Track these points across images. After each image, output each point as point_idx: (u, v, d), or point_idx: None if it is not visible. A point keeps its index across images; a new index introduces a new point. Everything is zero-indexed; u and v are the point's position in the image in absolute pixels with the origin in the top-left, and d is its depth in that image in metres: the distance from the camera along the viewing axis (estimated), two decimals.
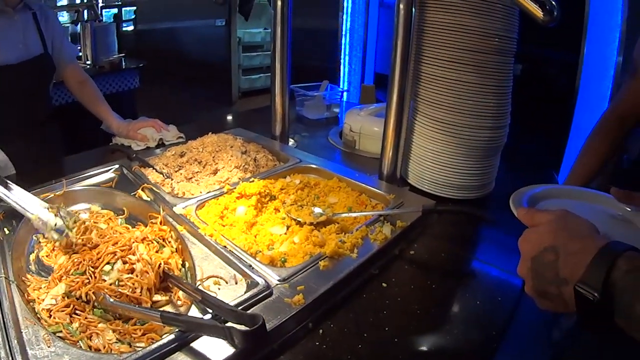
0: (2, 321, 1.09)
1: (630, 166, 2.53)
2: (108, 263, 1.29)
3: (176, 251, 1.46)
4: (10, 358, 0.99)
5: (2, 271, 1.27)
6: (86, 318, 1.16)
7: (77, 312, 1.18)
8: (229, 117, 3.40)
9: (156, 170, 1.98)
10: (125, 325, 1.16)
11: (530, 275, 0.99)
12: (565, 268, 0.92)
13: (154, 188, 1.80)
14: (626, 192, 1.39)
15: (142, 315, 1.15)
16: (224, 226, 1.60)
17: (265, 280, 1.26)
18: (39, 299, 1.22)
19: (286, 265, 1.40)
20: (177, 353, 1.04)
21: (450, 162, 1.86)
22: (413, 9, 1.75)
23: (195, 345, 1.06)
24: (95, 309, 1.19)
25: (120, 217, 1.69)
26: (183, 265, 1.42)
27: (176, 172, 1.98)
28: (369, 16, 5.94)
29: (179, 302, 1.28)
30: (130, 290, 1.23)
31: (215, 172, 1.96)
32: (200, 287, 1.25)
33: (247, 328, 0.97)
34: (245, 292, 1.23)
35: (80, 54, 5.08)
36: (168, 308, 1.26)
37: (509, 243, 1.52)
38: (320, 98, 3.14)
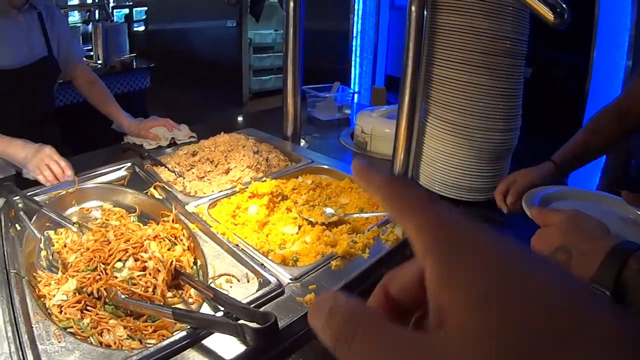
0: (13, 316, 1.10)
1: (639, 171, 2.52)
2: (120, 260, 1.29)
3: (188, 249, 1.46)
4: (21, 352, 0.99)
5: (14, 266, 1.28)
6: (97, 314, 1.16)
7: (88, 308, 1.18)
8: (240, 118, 3.40)
9: (168, 169, 1.98)
10: (137, 322, 1.16)
11: None
12: (578, 268, 0.92)
13: (166, 186, 1.80)
14: (637, 196, 1.39)
15: (154, 312, 1.15)
16: (236, 225, 1.60)
17: (277, 279, 1.26)
18: (49, 294, 1.22)
19: (298, 264, 1.39)
20: (188, 350, 1.04)
21: (461, 164, 1.85)
22: (425, 11, 1.75)
23: (206, 342, 1.06)
24: (106, 306, 1.19)
25: (132, 214, 1.70)
26: (195, 263, 1.42)
27: (188, 171, 1.98)
28: (380, 18, 5.93)
29: (191, 300, 1.28)
30: (143, 289, 1.23)
31: (227, 172, 1.96)
32: (212, 285, 1.25)
33: (259, 325, 0.97)
34: (257, 291, 1.23)
35: (92, 53, 5.11)
36: (179, 306, 1.25)
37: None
38: (332, 99, 3.13)
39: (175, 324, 1.15)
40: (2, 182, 1.73)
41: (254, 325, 0.98)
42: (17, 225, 1.53)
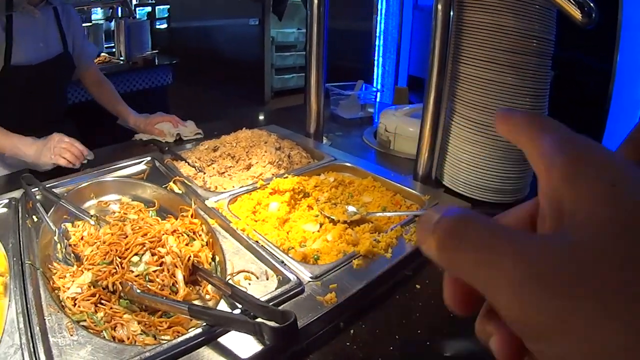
0: (25, 307, 1.08)
1: None
2: (136, 254, 1.27)
3: (207, 245, 1.44)
4: (32, 345, 0.98)
5: (29, 258, 1.27)
6: (111, 308, 1.14)
7: (102, 302, 1.17)
8: (262, 116, 3.39)
9: (188, 164, 1.97)
10: (151, 317, 1.14)
11: None
12: None
13: (186, 181, 1.79)
14: None
15: (169, 308, 1.12)
16: (256, 221, 1.58)
17: (297, 277, 1.23)
18: (64, 287, 1.20)
19: (319, 262, 1.36)
20: (203, 348, 1.01)
21: (486, 164, 1.81)
22: (451, 10, 1.73)
23: (222, 340, 1.04)
24: (121, 300, 1.18)
25: (151, 209, 1.68)
26: (213, 259, 1.40)
27: (209, 166, 1.97)
28: (403, 18, 5.91)
29: (208, 297, 1.26)
30: (160, 287, 1.20)
31: (248, 167, 1.94)
32: (230, 282, 1.22)
33: (278, 324, 0.94)
34: (276, 289, 1.20)
35: (114, 50, 5.18)
36: (196, 302, 1.23)
37: None
38: (355, 97, 3.11)
39: (191, 320, 1.13)
40: (20, 175, 1.72)
41: (272, 324, 0.94)
42: (34, 217, 1.52)
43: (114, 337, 1.07)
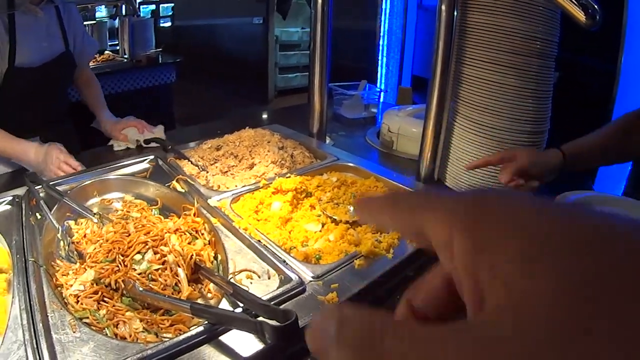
0: (29, 304, 1.09)
1: None
2: (139, 252, 1.28)
3: (209, 243, 1.44)
4: (34, 341, 0.98)
5: (32, 255, 1.27)
6: (114, 306, 1.15)
7: (105, 299, 1.17)
8: (265, 115, 3.39)
9: (191, 163, 1.97)
10: (154, 315, 1.14)
11: None
12: None
13: (189, 180, 1.79)
14: None
15: (172, 306, 1.13)
16: (258, 221, 1.58)
17: (299, 277, 1.23)
18: (66, 284, 1.21)
19: (320, 262, 1.37)
20: (204, 346, 1.02)
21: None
22: (455, 10, 1.74)
23: (223, 338, 1.04)
24: (123, 298, 1.18)
25: (154, 207, 1.69)
26: (215, 258, 1.40)
27: (212, 165, 1.97)
28: (407, 18, 5.91)
29: (209, 295, 1.26)
30: (162, 287, 1.21)
31: (251, 167, 1.94)
32: (232, 281, 1.22)
33: (280, 323, 0.95)
34: (277, 288, 1.20)
35: (118, 48, 5.18)
36: (198, 300, 1.23)
37: None
38: (359, 97, 3.11)
39: (193, 318, 1.13)
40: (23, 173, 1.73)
41: (274, 323, 0.95)
42: (37, 214, 1.52)
43: (116, 335, 1.07)
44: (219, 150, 2.09)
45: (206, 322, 1.04)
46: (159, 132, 2.46)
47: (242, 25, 9.40)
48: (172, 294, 1.20)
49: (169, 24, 10.50)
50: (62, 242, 1.40)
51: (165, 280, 1.22)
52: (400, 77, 6.02)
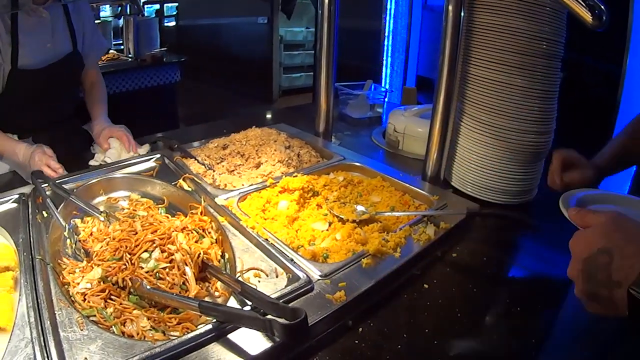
0: (36, 302, 1.10)
1: None
2: (146, 251, 1.28)
3: (216, 242, 1.45)
4: (42, 339, 0.99)
5: (39, 253, 1.28)
6: (121, 304, 1.16)
7: (112, 297, 1.18)
8: (269, 114, 3.40)
9: (198, 162, 1.98)
10: (161, 314, 1.15)
11: (581, 277, 0.99)
12: (619, 271, 0.92)
13: (196, 179, 1.80)
14: None
15: (179, 304, 1.13)
16: (265, 219, 1.59)
17: (307, 275, 1.24)
18: (73, 282, 1.22)
19: (328, 261, 1.37)
20: (212, 344, 1.03)
21: (495, 165, 1.83)
22: (461, 11, 1.74)
23: (231, 337, 1.05)
24: (130, 296, 1.19)
25: (160, 206, 1.69)
26: (222, 256, 1.41)
27: (218, 164, 1.98)
28: (412, 18, 5.92)
29: (217, 294, 1.27)
30: (169, 286, 1.21)
31: (257, 166, 1.95)
32: (240, 279, 1.23)
33: (289, 321, 0.95)
34: (285, 286, 1.21)
35: (122, 47, 5.19)
36: (206, 299, 1.23)
37: (552, 250, 1.50)
38: (364, 97, 3.12)
39: (200, 316, 1.14)
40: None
41: (283, 321, 0.95)
42: (44, 212, 1.53)
43: (123, 333, 1.08)
44: (226, 149, 2.10)
45: (214, 320, 1.04)
46: (142, 151, 2.25)
47: (247, 24, 9.44)
48: (180, 292, 1.20)
49: (173, 23, 10.54)
50: (68, 240, 1.40)
51: (173, 279, 1.22)
52: (405, 77, 6.03)
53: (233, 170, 1.93)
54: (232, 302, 1.18)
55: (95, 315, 1.11)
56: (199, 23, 10.41)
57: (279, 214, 1.62)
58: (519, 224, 1.73)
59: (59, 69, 2.42)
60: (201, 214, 1.57)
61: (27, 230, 1.40)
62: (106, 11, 6.53)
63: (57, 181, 1.68)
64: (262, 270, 1.29)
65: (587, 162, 1.71)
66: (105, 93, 2.70)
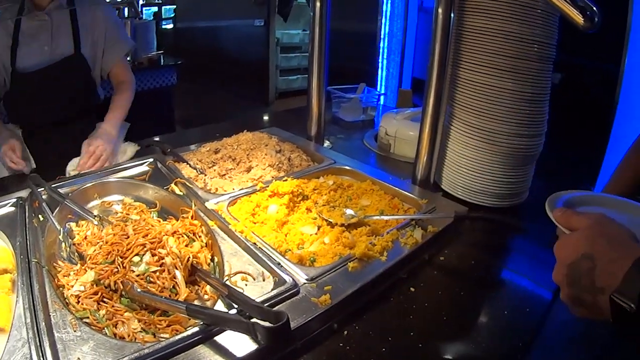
0: (32, 303, 1.13)
1: None
2: (137, 254, 1.31)
3: (206, 246, 1.48)
4: (37, 339, 1.02)
5: (35, 256, 1.31)
6: (113, 306, 1.19)
7: (104, 299, 1.21)
8: (265, 117, 3.42)
9: (190, 166, 2.00)
10: (151, 316, 1.18)
11: (566, 282, 0.99)
12: (602, 277, 0.91)
13: (187, 183, 1.82)
14: None
15: (168, 307, 1.16)
16: (255, 223, 1.62)
17: (293, 279, 1.27)
18: (68, 285, 1.25)
19: (315, 265, 1.40)
20: (200, 346, 1.06)
21: (485, 169, 1.85)
22: (452, 13, 1.75)
23: (218, 339, 1.08)
24: (122, 298, 1.22)
25: (153, 210, 1.72)
26: (212, 260, 1.44)
27: (210, 168, 2.01)
28: (408, 21, 5.93)
29: (206, 297, 1.30)
30: (159, 289, 1.24)
31: (248, 170, 1.98)
32: (227, 282, 1.26)
33: (271, 324, 0.98)
34: (272, 290, 1.24)
35: None
36: (195, 302, 1.26)
37: (541, 254, 1.52)
38: (357, 100, 3.14)
39: (189, 319, 1.16)
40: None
41: (266, 324, 0.99)
42: (40, 216, 1.56)
43: (115, 334, 1.11)
44: (217, 153, 2.13)
45: (201, 322, 1.08)
46: (125, 158, 2.28)
47: (244, 27, 9.44)
48: (170, 296, 1.24)
49: (170, 25, 10.54)
50: (63, 244, 1.44)
51: (163, 283, 1.25)
52: (401, 79, 6.04)
53: (224, 175, 1.96)
54: (220, 305, 1.21)
55: (88, 317, 1.15)
56: (197, 25, 10.42)
57: (268, 217, 1.65)
58: (508, 227, 1.76)
59: (55, 71, 2.50)
60: (192, 218, 1.59)
61: (24, 234, 1.43)
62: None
63: (52, 185, 1.71)
64: (249, 274, 1.33)
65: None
66: (125, 97, 2.72)
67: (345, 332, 1.19)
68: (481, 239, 1.72)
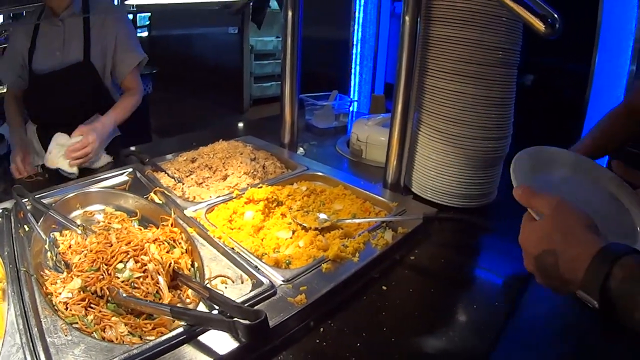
0: (23, 310, 1.17)
1: None
2: (121, 262, 1.36)
3: (186, 252, 1.53)
4: (31, 344, 1.07)
5: (23, 265, 1.35)
6: (100, 311, 1.24)
7: (91, 305, 1.26)
8: (240, 125, 3.45)
9: (168, 175, 2.05)
10: (137, 320, 1.23)
11: (538, 273, 1.06)
12: (566, 272, 0.97)
13: (166, 192, 1.87)
14: (627, 168, 1.44)
15: (153, 310, 1.22)
16: (232, 229, 1.67)
17: (270, 280, 1.33)
18: (55, 292, 1.29)
19: (290, 267, 1.47)
20: (184, 345, 1.11)
21: (453, 171, 1.92)
22: (418, 22, 1.81)
23: (201, 338, 1.13)
24: (108, 304, 1.27)
25: (133, 218, 1.77)
26: (192, 265, 1.49)
27: (187, 177, 2.05)
28: (380, 26, 5.96)
29: (188, 300, 1.35)
30: (144, 294, 1.30)
31: (225, 178, 2.03)
32: (208, 286, 1.32)
33: (251, 322, 1.04)
34: (250, 291, 1.30)
35: None
36: (177, 305, 1.31)
37: (508, 250, 1.58)
38: (329, 108, 3.20)
39: (173, 322, 1.22)
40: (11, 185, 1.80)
41: (245, 322, 1.05)
42: (25, 226, 1.61)
43: (103, 338, 1.16)
44: (194, 162, 2.18)
45: (185, 323, 1.14)
46: (100, 164, 2.29)
47: (218, 35, 9.42)
48: (154, 300, 1.29)
49: (145, 33, 10.46)
50: (49, 253, 1.48)
51: (147, 288, 1.31)
52: (374, 84, 6.06)
53: (201, 183, 2.01)
54: (202, 308, 1.26)
55: (77, 323, 1.19)
56: (171, 33, 10.37)
57: (245, 223, 1.71)
58: (475, 227, 1.82)
59: (65, 75, 2.63)
60: (172, 225, 1.64)
61: (11, 244, 1.47)
62: None
63: (36, 196, 1.75)
64: (228, 277, 1.39)
65: None
66: (130, 101, 2.82)
67: (322, 329, 1.25)
68: (450, 238, 1.79)
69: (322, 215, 1.74)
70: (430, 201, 2.00)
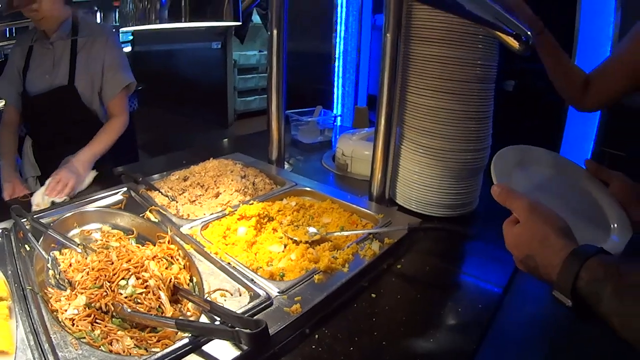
0: (32, 327, 1.22)
1: None
2: (123, 278, 1.41)
3: (184, 267, 1.58)
4: (44, 359, 1.12)
5: (28, 283, 1.40)
6: (106, 326, 1.28)
7: (97, 321, 1.30)
8: (227, 141, 3.49)
9: (162, 194, 2.09)
10: (142, 333, 1.28)
11: (526, 271, 1.15)
12: (544, 275, 1.07)
13: (161, 210, 1.92)
14: (600, 167, 1.52)
15: (158, 323, 1.27)
16: (227, 245, 1.73)
17: (266, 292, 1.40)
18: (61, 309, 1.34)
19: (284, 279, 1.53)
20: (190, 355, 1.17)
21: (435, 183, 1.99)
22: (399, 41, 1.88)
23: (205, 348, 1.19)
24: (114, 319, 1.32)
25: (130, 236, 1.82)
26: (191, 280, 1.54)
27: (180, 195, 2.10)
28: (362, 39, 6.00)
29: (189, 313, 1.40)
30: (147, 309, 1.35)
31: (217, 195, 2.08)
32: (208, 299, 1.38)
33: (252, 331, 1.10)
34: (248, 303, 1.36)
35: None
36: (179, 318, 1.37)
37: (489, 256, 1.66)
38: (314, 123, 3.25)
39: (177, 333, 1.27)
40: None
41: (247, 331, 1.11)
42: (26, 246, 1.65)
43: (111, 351, 1.21)
44: (186, 180, 2.22)
45: (189, 335, 1.20)
46: (85, 184, 2.34)
47: (201, 50, 9.41)
48: (157, 314, 1.35)
49: (129, 49, 10.42)
50: (51, 271, 1.52)
51: (150, 303, 1.36)
52: (357, 97, 6.08)
53: (194, 201, 2.05)
54: (203, 320, 1.32)
55: (85, 337, 1.24)
56: (155, 49, 10.34)
57: (238, 239, 1.76)
58: (458, 235, 1.89)
59: (50, 97, 2.66)
60: (168, 242, 1.69)
61: (13, 263, 1.51)
62: None
63: (34, 216, 1.79)
64: (227, 290, 1.45)
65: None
66: (109, 133, 2.72)
67: (317, 336, 1.33)
68: (434, 247, 1.85)
69: (312, 229, 1.80)
70: (415, 212, 2.07)
